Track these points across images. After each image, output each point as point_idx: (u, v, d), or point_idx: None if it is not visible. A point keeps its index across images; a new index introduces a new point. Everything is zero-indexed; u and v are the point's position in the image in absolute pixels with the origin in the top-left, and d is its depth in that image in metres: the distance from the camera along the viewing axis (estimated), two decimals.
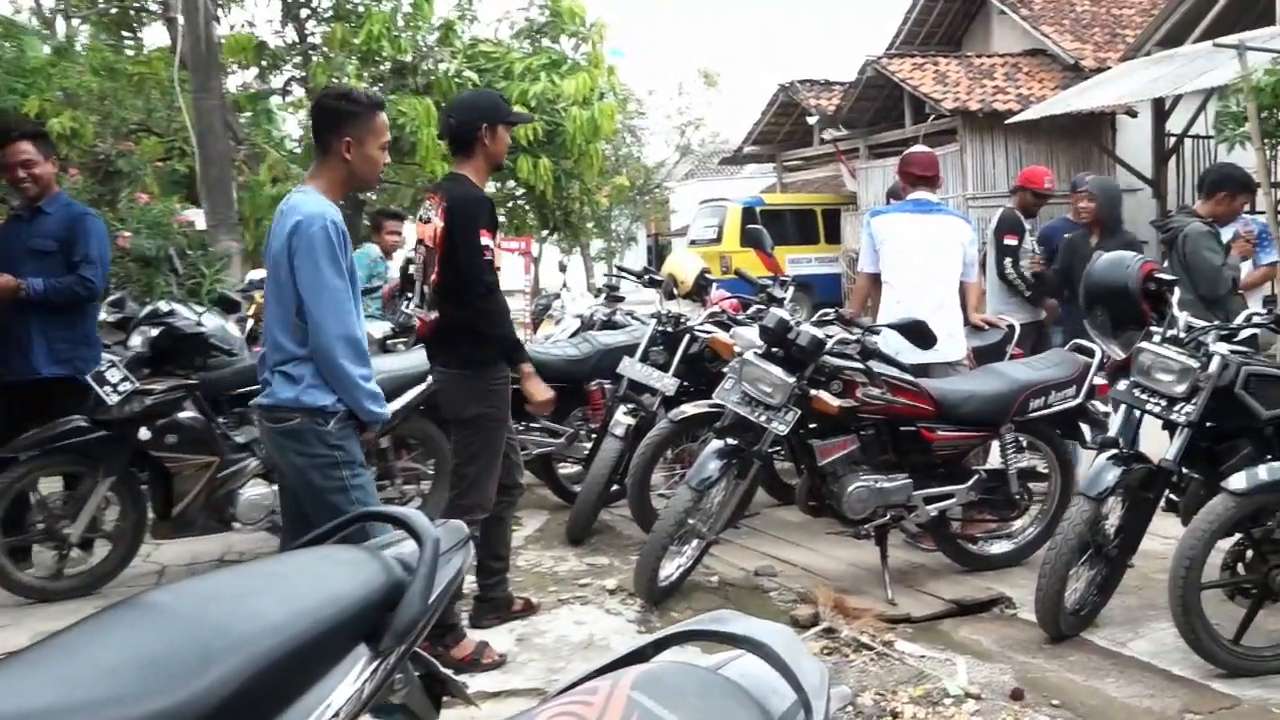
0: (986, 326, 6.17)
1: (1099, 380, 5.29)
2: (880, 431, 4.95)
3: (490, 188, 4.65)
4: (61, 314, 5.43)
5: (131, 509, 5.23)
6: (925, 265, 5.69)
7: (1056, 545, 4.25)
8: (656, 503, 5.68)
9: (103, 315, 5.67)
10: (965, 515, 5.25)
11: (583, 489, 6.00)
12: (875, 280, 5.89)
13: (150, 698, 1.51)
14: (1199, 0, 15.59)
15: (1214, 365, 4.23)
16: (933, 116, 18.23)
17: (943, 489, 5.06)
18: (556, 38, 12.43)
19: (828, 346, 4.76)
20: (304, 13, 11.74)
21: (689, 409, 5.68)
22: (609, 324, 7.80)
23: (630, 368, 6.16)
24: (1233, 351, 4.32)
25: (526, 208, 13.22)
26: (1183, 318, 4.47)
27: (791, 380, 4.67)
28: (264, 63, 11.90)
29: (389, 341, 6.82)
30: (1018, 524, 5.41)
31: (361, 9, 11.29)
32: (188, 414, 5.14)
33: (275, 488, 5.22)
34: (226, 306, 6.94)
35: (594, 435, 6.44)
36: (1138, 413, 4.47)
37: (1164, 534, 4.74)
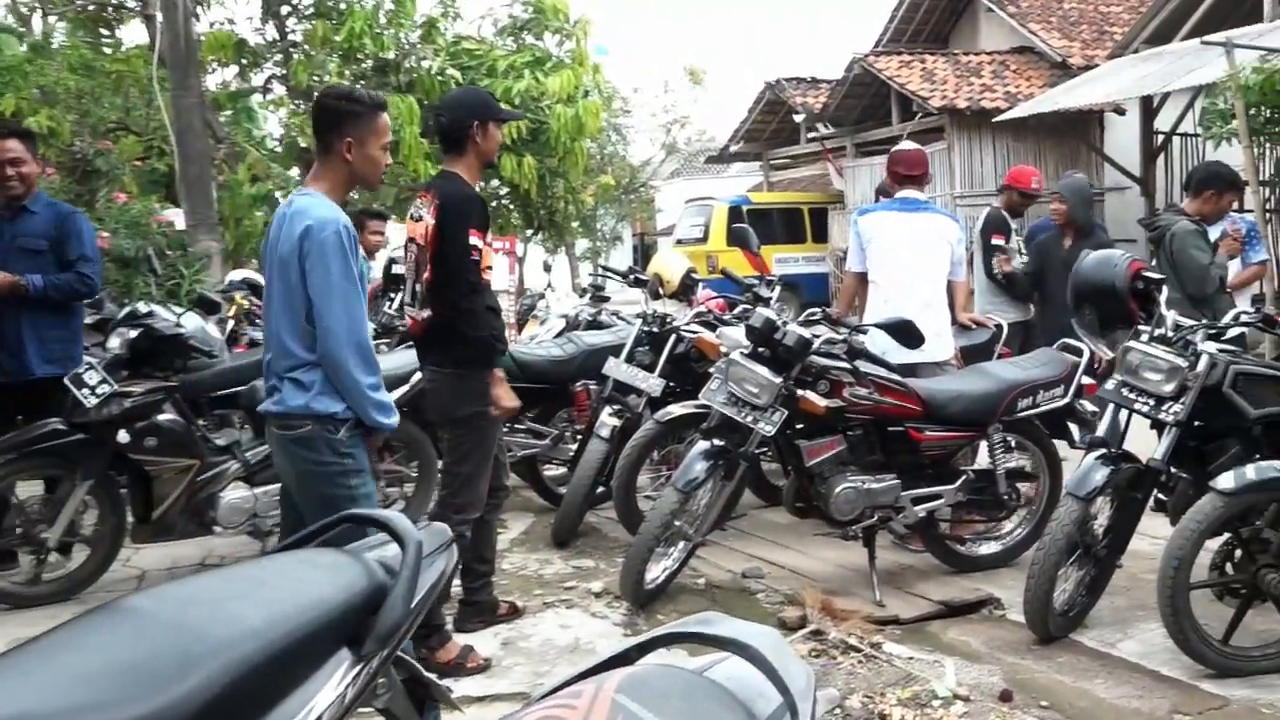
0: (974, 326, 6.19)
1: (1087, 380, 5.32)
2: (868, 432, 4.96)
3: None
4: (54, 313, 5.46)
5: (110, 513, 5.21)
6: (912, 264, 5.69)
7: (1045, 546, 4.26)
8: (642, 505, 5.69)
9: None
10: (954, 516, 5.27)
11: (568, 491, 6.00)
12: (863, 280, 5.89)
13: (128, 704, 1.51)
14: None
15: (1202, 364, 4.25)
16: (920, 114, 18.27)
17: (931, 490, 5.07)
18: (540, 34, 12.43)
19: (814, 346, 4.77)
20: (285, 10, 11.72)
21: (675, 410, 5.69)
22: (594, 324, 7.80)
23: (616, 368, 6.16)
24: (1221, 350, 4.34)
25: (511, 207, 13.22)
26: (1171, 316, 4.49)
27: (778, 380, 4.68)
28: (244, 60, 11.87)
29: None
30: (1006, 524, 5.44)
31: (343, 6, 11.28)
32: (167, 416, 5.13)
33: (256, 491, 5.23)
34: (206, 307, 6.92)
35: (579, 437, 6.43)
36: (1125, 412, 4.49)
37: (1153, 534, 4.76)
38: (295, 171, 13.21)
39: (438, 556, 2.12)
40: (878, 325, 5.12)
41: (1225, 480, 3.94)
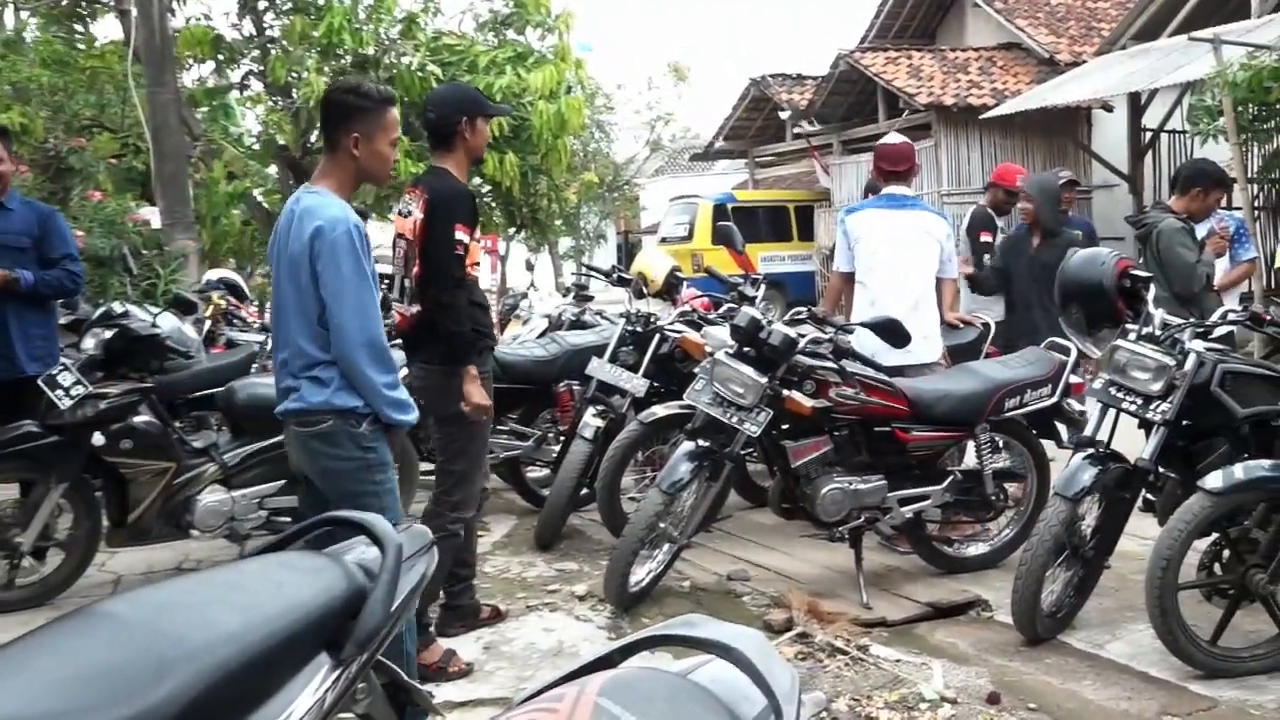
0: (961, 325, 6.20)
1: (1074, 379, 5.34)
2: (854, 432, 4.97)
3: None
4: (37, 310, 5.48)
5: (85, 516, 5.19)
6: (900, 264, 5.64)
7: (1033, 547, 4.28)
8: (627, 506, 5.69)
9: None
10: (941, 517, 5.28)
11: (551, 493, 5.99)
12: (849, 280, 5.85)
13: (103, 710, 1.50)
14: None
15: (1190, 363, 4.27)
16: (907, 111, 18.33)
17: (918, 490, 5.09)
18: (522, 29, 12.39)
19: (800, 346, 4.78)
20: (262, 5, 11.66)
21: (659, 410, 5.69)
22: (577, 324, 7.80)
23: (599, 369, 6.16)
24: (1208, 349, 4.37)
25: (493, 205, 13.19)
26: (1158, 315, 4.51)
27: (763, 380, 4.68)
28: (221, 56, 11.80)
29: None
30: (994, 525, 5.45)
31: (321, 1, 11.22)
32: (143, 418, 5.11)
33: (234, 494, 5.21)
34: (183, 307, 6.90)
35: (563, 438, 6.43)
36: (1113, 411, 4.51)
37: (1141, 534, 4.78)
38: (273, 169, 13.17)
39: (418, 559, 2.12)
40: (864, 325, 5.13)
41: (1213, 480, 3.96)
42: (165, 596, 1.84)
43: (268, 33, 11.79)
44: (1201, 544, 4.12)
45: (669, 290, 6.90)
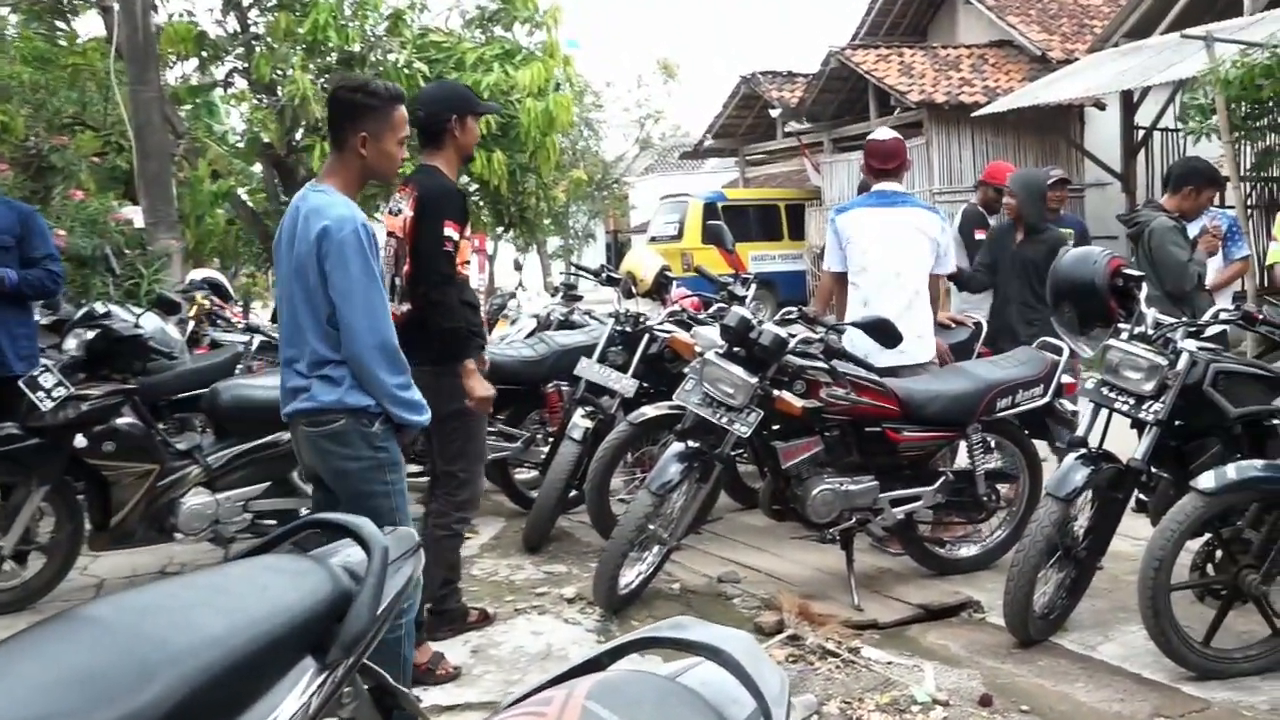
0: (953, 325, 6.21)
1: (1067, 379, 5.35)
2: (845, 433, 4.97)
3: None
4: (21, 310, 5.50)
5: (67, 520, 5.17)
6: (892, 263, 5.61)
7: (1025, 548, 4.29)
8: (616, 508, 5.69)
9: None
10: (933, 518, 5.29)
11: (540, 495, 5.99)
12: (840, 279, 5.82)
13: (86, 714, 1.50)
14: None
15: (1182, 363, 4.29)
16: (898, 109, 18.36)
17: (909, 491, 5.10)
18: (509, 26, 12.39)
19: (791, 346, 4.78)
20: (246, 1, 11.64)
21: (649, 411, 5.69)
22: (566, 324, 7.80)
23: (588, 369, 6.15)
24: (1201, 348, 4.38)
25: (481, 204, 13.18)
26: (1151, 314, 4.53)
27: (754, 381, 4.69)
28: (204, 53, 11.77)
29: None
30: (986, 526, 5.47)
31: None
32: (126, 420, 5.10)
33: (218, 496, 5.20)
34: (166, 308, 6.89)
35: (551, 439, 6.43)
36: (1106, 412, 4.53)
37: (1134, 535, 4.81)
38: (258, 168, 13.14)
39: (404, 562, 2.12)
40: (855, 324, 5.14)
41: (1206, 480, 3.97)
42: (148, 600, 1.84)
43: (252, 29, 11.77)
44: (1194, 544, 4.14)
45: (658, 290, 6.89)
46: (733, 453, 5.03)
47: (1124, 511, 4.48)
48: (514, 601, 5.12)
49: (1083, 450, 4.38)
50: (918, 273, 5.64)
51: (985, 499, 5.28)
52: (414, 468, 5.59)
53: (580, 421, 5.96)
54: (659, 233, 21.20)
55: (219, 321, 8.24)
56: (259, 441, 5.26)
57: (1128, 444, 4.47)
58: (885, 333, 4.96)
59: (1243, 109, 10.63)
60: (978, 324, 6.42)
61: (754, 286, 6.18)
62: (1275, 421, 4.38)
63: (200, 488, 5.22)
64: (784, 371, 4.80)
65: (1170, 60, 13.22)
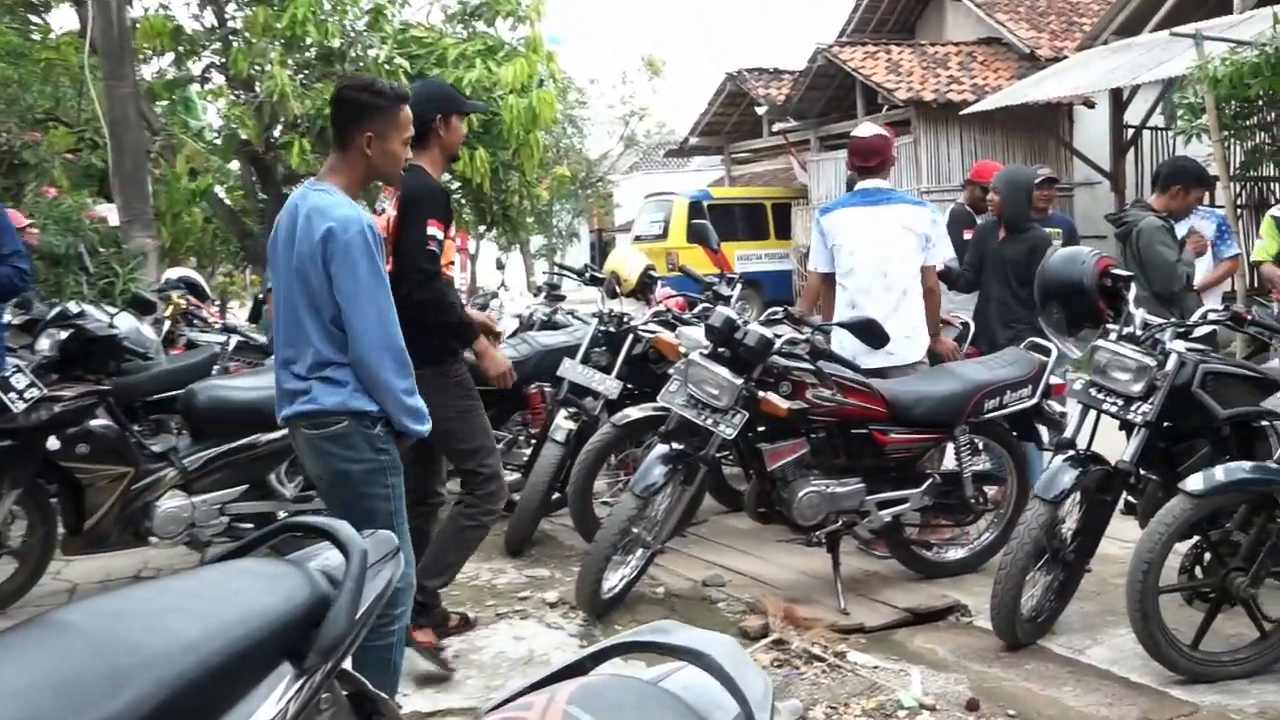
0: (940, 325, 6.22)
1: (1055, 380, 5.37)
2: (831, 434, 4.98)
3: None
4: None
5: (40, 523, 5.14)
6: (878, 264, 5.59)
7: (1012, 550, 4.31)
8: (599, 511, 5.69)
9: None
10: (920, 520, 5.31)
11: (522, 497, 5.98)
12: (827, 279, 5.82)
13: None
14: None
15: (1171, 363, 4.32)
16: (886, 107, 18.41)
17: (896, 493, 5.11)
18: (492, 21, 12.39)
19: (776, 346, 4.79)
20: None
21: (633, 413, 5.70)
22: (549, 324, 7.79)
23: (571, 370, 6.15)
24: (1189, 349, 4.41)
25: (463, 202, 13.18)
26: (1139, 315, 4.55)
27: (739, 382, 4.69)
28: (181, 48, 11.75)
29: None
30: (973, 529, 5.49)
31: None
32: (100, 422, 5.07)
33: (194, 500, 5.18)
34: (141, 307, 6.87)
35: (533, 441, 6.42)
36: (1094, 412, 4.55)
37: (1122, 537, 4.83)
38: (235, 165, 13.11)
39: (383, 565, 2.11)
40: (842, 325, 5.15)
41: (1194, 482, 3.99)
42: (122, 605, 1.83)
43: (229, 24, 11.75)
44: (1183, 547, 4.16)
45: (643, 290, 6.89)
46: (718, 455, 5.04)
47: (1112, 514, 4.51)
48: (495, 606, 5.12)
49: (1071, 452, 4.40)
50: (904, 272, 5.62)
51: (973, 501, 5.29)
52: None
53: (563, 423, 5.96)
54: (643, 232, 21.20)
55: (195, 321, 8.22)
56: (236, 444, 5.25)
57: (1116, 445, 4.49)
58: (871, 333, 4.97)
59: (1232, 108, 10.69)
60: (965, 324, 6.44)
61: (739, 286, 6.19)
62: (1264, 423, 4.41)
63: (176, 490, 5.19)
64: (769, 373, 4.81)
65: (1160, 58, 13.30)
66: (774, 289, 19.20)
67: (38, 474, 5.05)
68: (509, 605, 5.13)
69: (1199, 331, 4.67)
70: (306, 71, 11.49)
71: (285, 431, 5.05)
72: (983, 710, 3.89)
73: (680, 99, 47.67)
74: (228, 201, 13.37)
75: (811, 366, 4.88)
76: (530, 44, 12.09)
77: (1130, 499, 4.68)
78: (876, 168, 5.72)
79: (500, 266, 12.04)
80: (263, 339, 7.99)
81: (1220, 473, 4.01)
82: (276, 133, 11.54)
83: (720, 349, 4.83)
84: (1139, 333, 4.49)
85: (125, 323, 5.39)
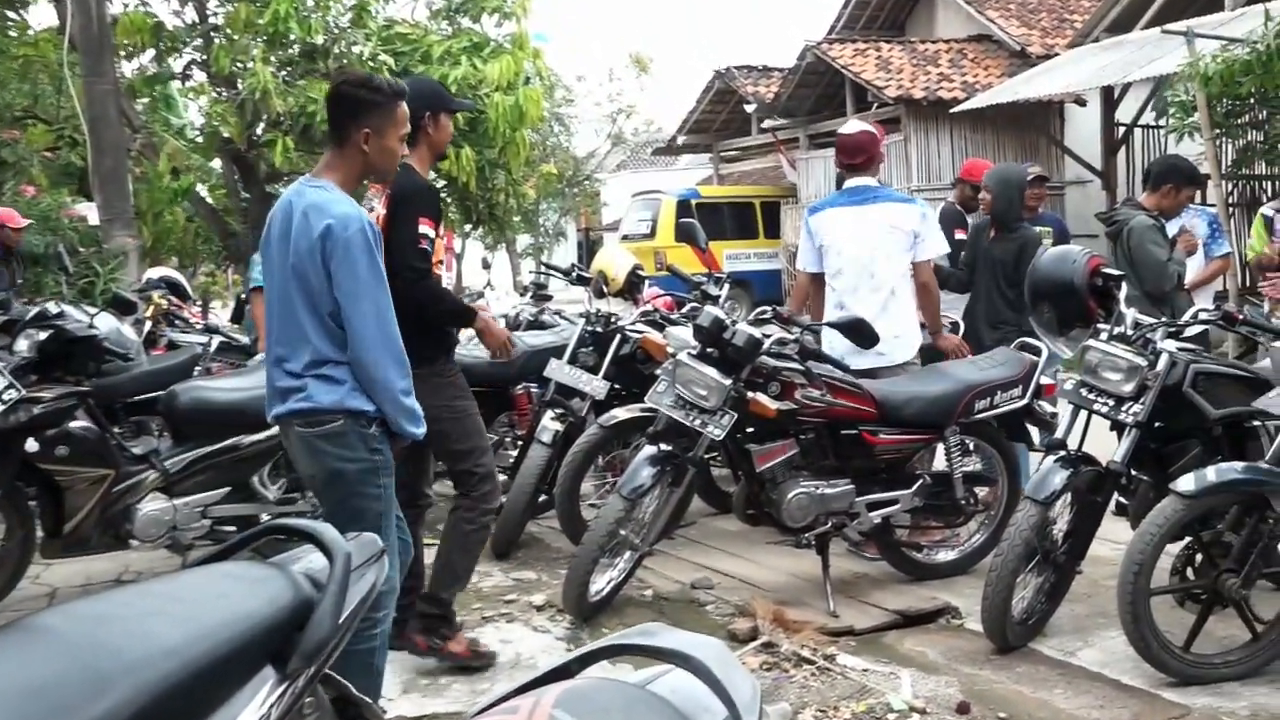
0: (923, 325, 6.22)
1: (1045, 380, 5.39)
2: (820, 435, 4.99)
3: None
4: None
5: (18, 526, 5.12)
6: (865, 265, 5.58)
7: (1003, 552, 4.32)
8: (587, 513, 5.69)
9: None
10: (910, 522, 5.32)
11: (508, 500, 5.97)
12: (816, 279, 5.82)
13: None
14: None
15: (1162, 363, 4.34)
16: (875, 105, 18.45)
17: (886, 494, 5.12)
18: (477, 17, 12.37)
19: (765, 346, 4.79)
20: None
21: (620, 413, 5.70)
22: (535, 324, 7.79)
23: (558, 370, 6.15)
24: (1181, 349, 4.43)
25: (448, 200, 13.16)
26: (1130, 314, 4.57)
27: (727, 382, 4.70)
28: (162, 45, 11.69)
29: None
30: (964, 530, 5.50)
31: None
32: (79, 424, 5.05)
33: (175, 502, 5.17)
34: (122, 308, 6.85)
35: (520, 442, 6.42)
36: (1085, 413, 4.56)
37: (1113, 539, 4.84)
38: (217, 163, 13.07)
39: (368, 569, 2.11)
40: (831, 325, 5.16)
41: (1185, 483, 4.01)
42: (103, 609, 1.83)
43: (211, 20, 11.71)
44: (1174, 548, 4.18)
45: (630, 289, 6.89)
46: (706, 456, 5.04)
47: (1103, 515, 4.52)
48: (481, 609, 5.12)
49: (1062, 453, 4.42)
50: (892, 272, 5.60)
51: (963, 502, 5.30)
52: None
53: (550, 424, 5.96)
54: (631, 231, 21.21)
55: (177, 322, 8.20)
56: (218, 445, 5.23)
57: (1107, 446, 4.51)
58: (861, 333, 4.98)
59: (1223, 105, 10.73)
60: (954, 324, 6.45)
61: (728, 286, 6.20)
62: (1255, 423, 4.43)
63: (157, 493, 5.17)
64: (758, 373, 4.81)
65: (1151, 56, 13.34)
66: (763, 289, 19.21)
67: (16, 476, 5.02)
68: (495, 608, 5.13)
69: (1190, 331, 4.69)
70: (289, 68, 11.45)
71: (268, 433, 5.11)
72: (973, 713, 3.90)
73: (668, 97, 47.76)
74: (210, 200, 13.33)
75: (800, 367, 4.88)
76: (516, 41, 12.07)
77: (1121, 500, 4.69)
78: (864, 165, 5.71)
79: (486, 266, 12.04)
80: (245, 339, 7.98)
81: (1212, 473, 4.03)
82: (259, 130, 11.50)
83: (708, 349, 4.84)
84: (1130, 332, 4.51)
85: (105, 323, 5.36)
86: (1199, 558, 4.17)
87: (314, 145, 11.51)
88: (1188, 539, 4.17)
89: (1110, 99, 16.54)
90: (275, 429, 5.10)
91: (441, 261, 4.48)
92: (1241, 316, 4.65)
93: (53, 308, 5.23)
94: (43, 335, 5.05)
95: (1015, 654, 4.40)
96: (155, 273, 9.58)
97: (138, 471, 5.16)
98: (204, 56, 11.60)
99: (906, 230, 5.60)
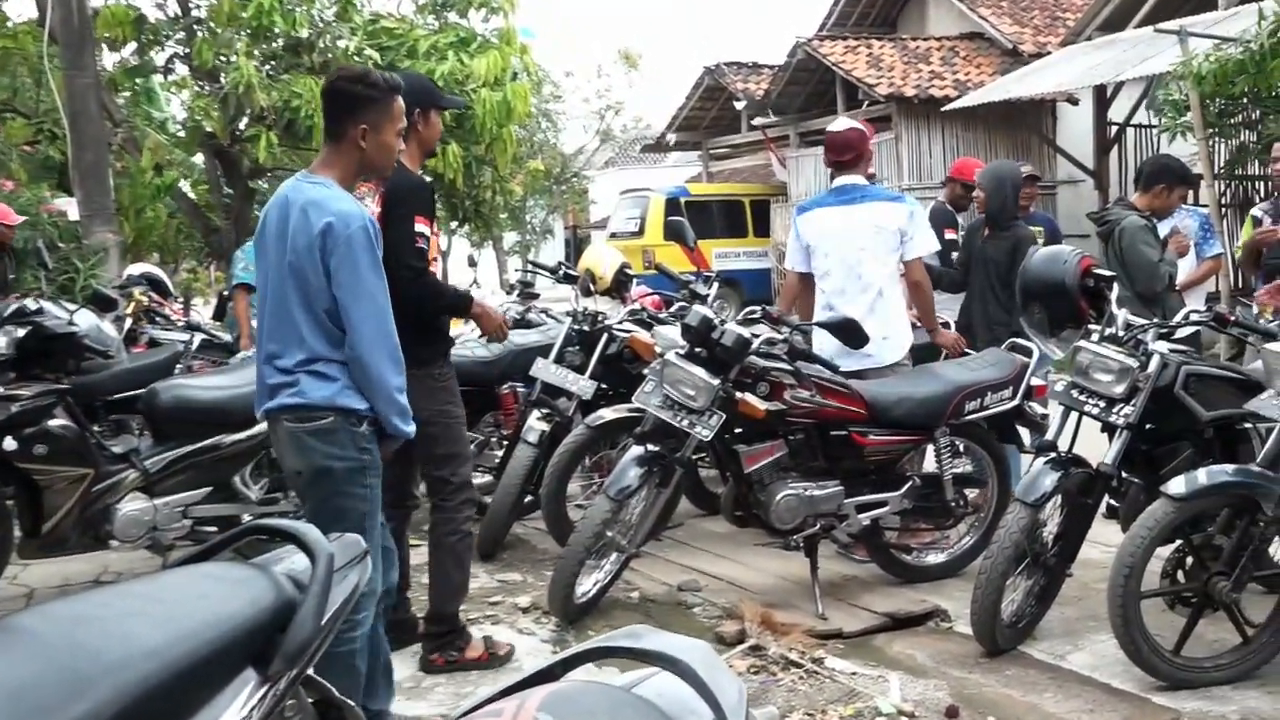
0: (918, 324, 6.24)
1: (1036, 381, 5.41)
2: (809, 436, 5.00)
3: None
4: None
5: None
6: (852, 266, 5.58)
7: (993, 554, 4.33)
8: (573, 514, 5.69)
9: None
10: (899, 524, 5.33)
11: (494, 500, 5.98)
12: (805, 279, 5.82)
13: None
14: None
15: (1153, 365, 4.35)
16: (867, 102, 18.47)
17: (875, 496, 5.13)
18: (464, 11, 12.38)
19: (754, 346, 4.80)
20: None
21: (607, 414, 5.70)
22: (522, 323, 7.77)
23: (544, 370, 6.15)
24: (1172, 350, 4.44)
25: (435, 198, 13.20)
26: (1122, 315, 4.58)
27: (715, 382, 4.70)
28: (144, 38, 11.68)
29: None
30: (953, 532, 5.51)
31: None
32: (58, 422, 5.03)
33: (156, 502, 5.15)
34: (102, 304, 6.82)
35: (506, 442, 6.42)
36: (1076, 414, 4.58)
37: (1104, 541, 4.86)
38: (199, 158, 13.04)
39: (350, 570, 2.11)
40: (820, 324, 5.16)
41: (1176, 485, 4.01)
42: (81, 610, 1.82)
43: (194, 13, 11.69)
44: (1165, 551, 4.19)
45: (618, 288, 6.90)
46: (694, 457, 5.05)
47: (1094, 517, 4.53)
48: (467, 611, 5.09)
49: (1052, 454, 4.43)
50: (879, 272, 5.58)
51: (953, 504, 5.32)
52: None
53: (536, 424, 5.95)
54: (619, 229, 21.19)
55: (158, 319, 8.17)
56: (199, 445, 5.22)
57: (1098, 448, 4.52)
58: (851, 333, 4.98)
59: (1216, 105, 10.78)
60: (945, 324, 6.45)
61: (717, 285, 6.19)
62: (1247, 425, 4.45)
63: (137, 493, 5.16)
64: (747, 373, 4.82)
65: (1144, 54, 13.39)
66: (752, 288, 19.21)
67: None
68: (480, 610, 5.12)
69: (1182, 332, 4.70)
70: (273, 62, 11.45)
71: (250, 432, 5.10)
72: (962, 717, 3.91)
73: (657, 93, 47.75)
74: (192, 196, 13.30)
75: (790, 367, 4.89)
76: (503, 36, 12.08)
77: (1112, 502, 4.71)
78: (852, 162, 5.69)
79: (472, 264, 12.02)
80: (227, 337, 7.97)
81: (1203, 476, 4.04)
82: (242, 125, 11.49)
83: (697, 349, 4.84)
84: (1121, 333, 4.52)
85: (85, 320, 5.34)
86: (1190, 560, 4.18)
87: (298, 140, 11.51)
88: (1178, 542, 4.18)
89: (1103, 98, 16.60)
90: (257, 428, 5.13)
91: (435, 259, 4.48)
92: (1234, 318, 4.66)
93: (31, 304, 5.21)
94: (21, 332, 5.04)
95: (1005, 657, 4.41)
96: (136, 269, 9.55)
97: (117, 471, 5.15)
98: (186, 50, 11.58)
99: (894, 230, 5.58)
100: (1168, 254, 5.99)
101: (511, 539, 6.11)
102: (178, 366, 6.22)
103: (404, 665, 4.39)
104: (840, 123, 5.95)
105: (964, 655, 4.47)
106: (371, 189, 4.36)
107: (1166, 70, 11.42)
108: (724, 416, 4.75)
